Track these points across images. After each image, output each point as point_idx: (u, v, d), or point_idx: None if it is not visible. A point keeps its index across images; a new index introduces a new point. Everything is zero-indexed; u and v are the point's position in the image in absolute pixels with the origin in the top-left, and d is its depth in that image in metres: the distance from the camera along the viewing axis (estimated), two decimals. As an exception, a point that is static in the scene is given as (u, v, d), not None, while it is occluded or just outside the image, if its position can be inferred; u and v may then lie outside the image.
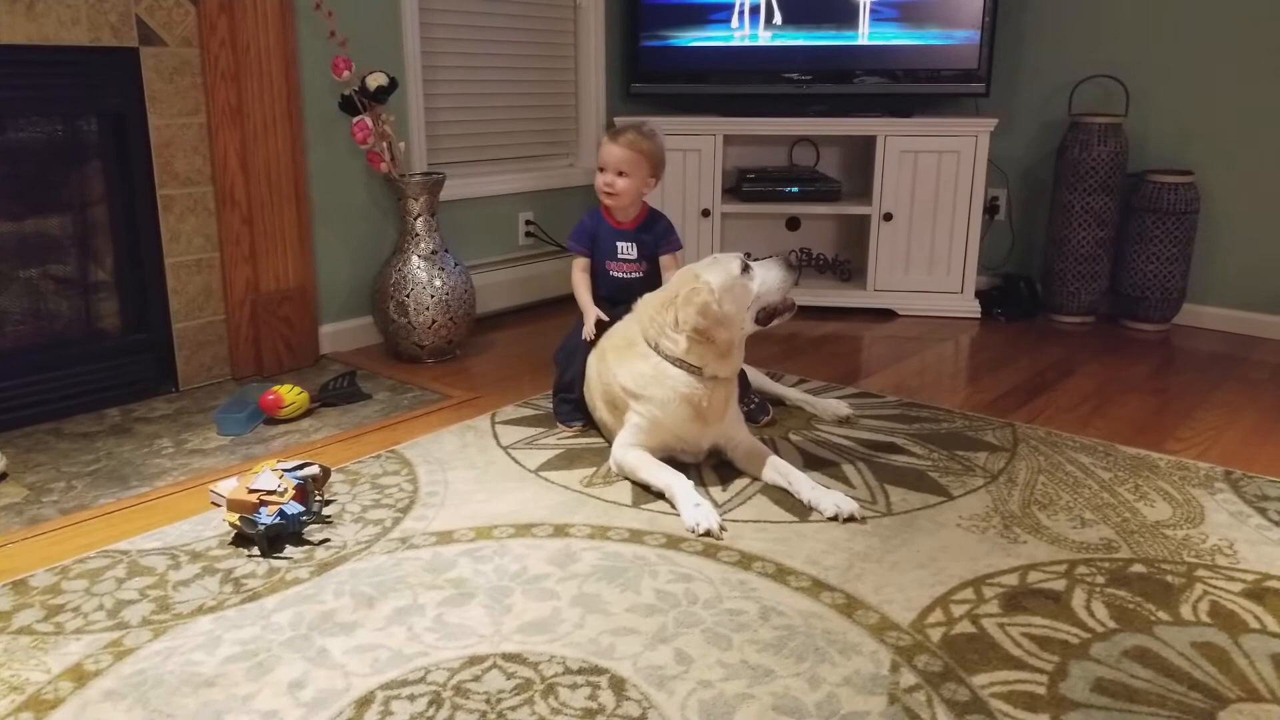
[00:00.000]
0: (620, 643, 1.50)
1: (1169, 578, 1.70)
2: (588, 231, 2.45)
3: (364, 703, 1.36)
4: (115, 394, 2.54)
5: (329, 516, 1.91)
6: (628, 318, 2.22)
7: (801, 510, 1.95)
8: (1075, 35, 3.58)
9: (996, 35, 3.53)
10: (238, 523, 1.79)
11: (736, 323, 2.06)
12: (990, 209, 3.73)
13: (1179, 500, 2.01)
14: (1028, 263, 3.80)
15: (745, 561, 1.74)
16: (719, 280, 2.03)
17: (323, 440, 2.33)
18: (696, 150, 3.54)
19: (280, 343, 2.82)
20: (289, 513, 1.79)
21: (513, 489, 2.06)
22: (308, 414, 2.49)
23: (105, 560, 1.75)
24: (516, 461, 2.20)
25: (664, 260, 2.43)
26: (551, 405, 2.46)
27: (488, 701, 1.36)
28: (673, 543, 1.82)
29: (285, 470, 1.90)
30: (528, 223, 3.62)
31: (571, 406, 2.39)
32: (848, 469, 2.17)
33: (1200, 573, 1.72)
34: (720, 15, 3.62)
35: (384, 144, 2.84)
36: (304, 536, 1.83)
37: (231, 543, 1.81)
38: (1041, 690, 1.39)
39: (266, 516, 1.77)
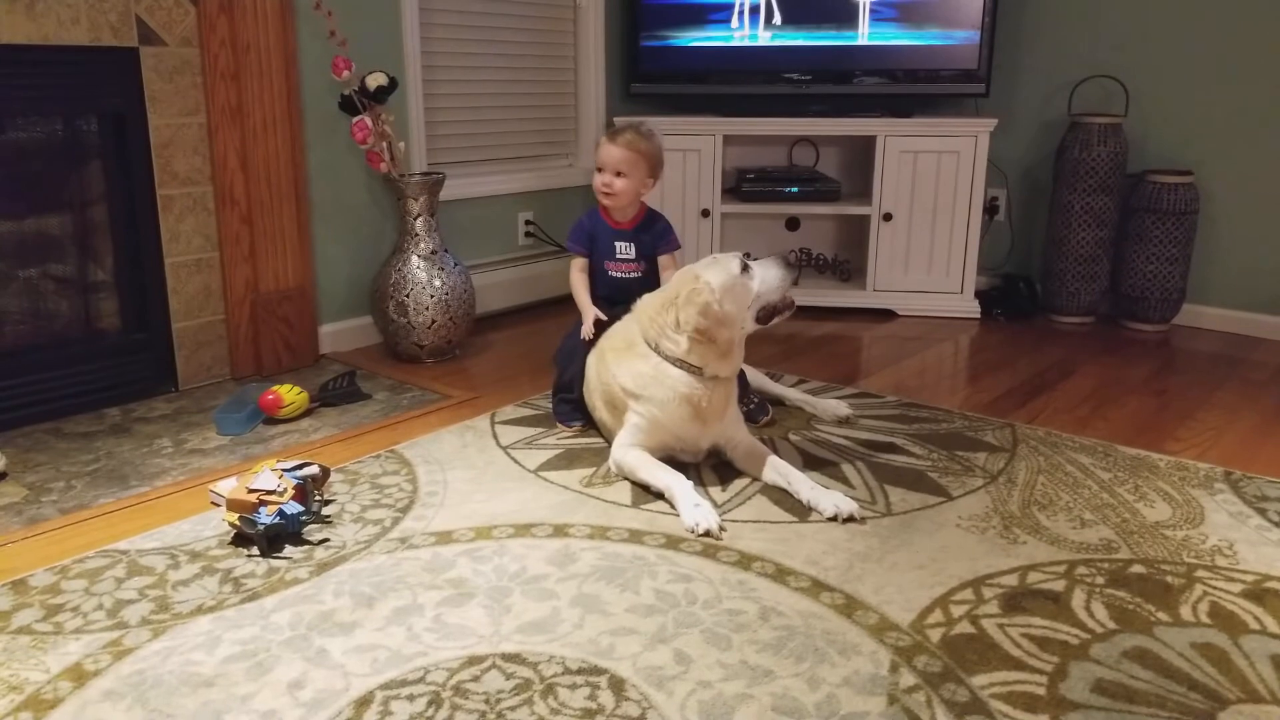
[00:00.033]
0: (620, 643, 1.50)
1: (1169, 578, 1.70)
2: (586, 231, 2.45)
3: (363, 703, 1.36)
4: (115, 394, 2.54)
5: (328, 516, 1.91)
6: (627, 318, 2.22)
7: (801, 510, 1.95)
8: (1075, 35, 3.58)
9: (996, 35, 3.53)
10: (237, 522, 1.79)
11: (738, 322, 2.06)
12: (990, 209, 3.73)
13: (1179, 501, 2.01)
14: (1027, 263, 3.80)
15: (745, 562, 1.74)
16: (720, 280, 2.03)
17: (322, 440, 2.33)
18: (696, 150, 3.54)
19: (280, 342, 2.82)
20: (288, 512, 1.79)
21: (512, 489, 2.06)
22: (307, 414, 2.49)
23: (105, 560, 1.75)
24: (516, 461, 2.20)
25: (662, 260, 2.44)
26: (551, 405, 2.46)
27: (487, 702, 1.36)
28: (672, 543, 1.82)
29: (285, 470, 1.90)
30: (527, 223, 3.62)
31: (571, 406, 2.39)
32: (847, 469, 2.17)
33: (1200, 573, 1.72)
34: (720, 15, 3.62)
35: (384, 144, 2.84)
36: (303, 536, 1.83)
37: (231, 542, 1.81)
38: (1041, 691, 1.39)
39: (266, 516, 1.77)
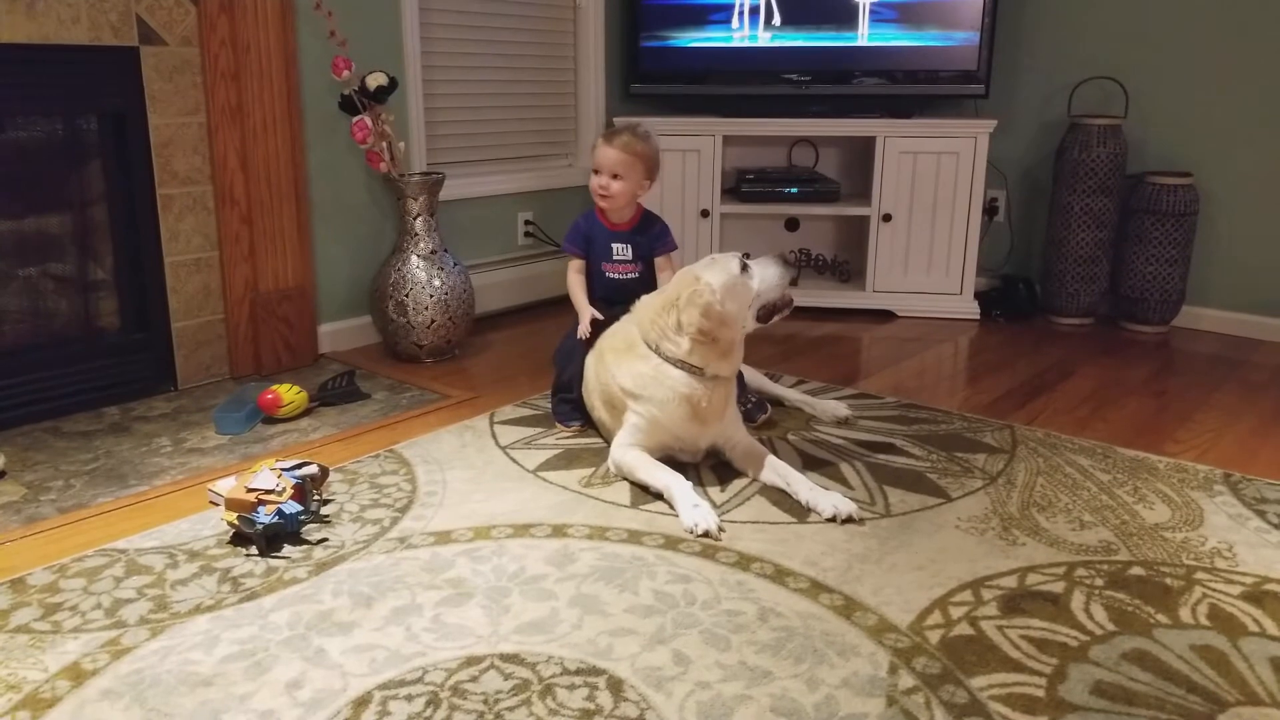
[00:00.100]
0: (618, 643, 1.50)
1: (1168, 580, 1.70)
2: (582, 233, 2.45)
3: (361, 703, 1.36)
4: (114, 393, 2.54)
5: (327, 516, 1.91)
6: (625, 319, 2.22)
7: (800, 511, 1.95)
8: (1075, 36, 3.58)
9: (996, 36, 3.53)
10: (236, 522, 1.79)
11: (739, 322, 2.06)
12: (989, 210, 3.73)
13: (1178, 503, 2.01)
14: (1027, 264, 3.80)
15: (743, 562, 1.74)
16: (720, 280, 2.04)
17: (321, 440, 2.33)
18: (696, 151, 3.54)
19: (279, 342, 2.82)
20: (287, 512, 1.79)
21: (511, 489, 2.06)
22: (306, 413, 2.49)
23: (103, 559, 1.75)
24: (515, 461, 2.20)
25: (659, 261, 2.44)
26: (550, 405, 2.46)
27: (485, 702, 1.36)
28: (671, 543, 1.81)
29: (284, 469, 1.90)
30: (527, 223, 3.62)
31: (570, 406, 2.39)
32: (846, 470, 2.17)
33: (1199, 575, 1.72)
34: (720, 16, 3.63)
35: (383, 144, 2.84)
36: (302, 536, 1.83)
37: (229, 542, 1.81)
38: (1040, 693, 1.39)
39: (265, 516, 1.77)
